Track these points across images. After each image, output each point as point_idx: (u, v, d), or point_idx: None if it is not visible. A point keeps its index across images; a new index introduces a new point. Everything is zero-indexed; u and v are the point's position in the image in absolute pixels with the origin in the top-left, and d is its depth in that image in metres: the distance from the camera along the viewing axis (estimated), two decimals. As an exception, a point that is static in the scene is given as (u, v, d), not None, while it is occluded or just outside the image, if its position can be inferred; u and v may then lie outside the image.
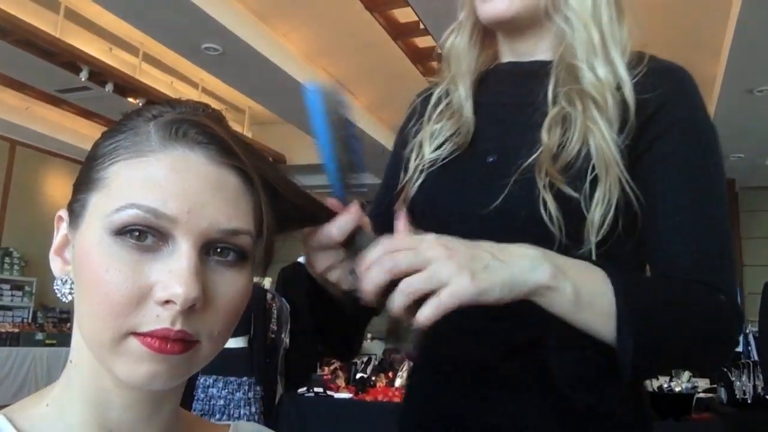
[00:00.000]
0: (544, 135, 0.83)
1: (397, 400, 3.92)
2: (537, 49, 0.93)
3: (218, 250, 0.56)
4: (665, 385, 4.68)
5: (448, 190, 0.90)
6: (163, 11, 4.80)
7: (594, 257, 0.78)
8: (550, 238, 0.78)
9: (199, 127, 0.57)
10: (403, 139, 1.02)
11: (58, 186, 8.86)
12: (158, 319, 0.52)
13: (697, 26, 5.72)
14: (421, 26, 5.57)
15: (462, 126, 0.93)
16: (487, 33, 0.98)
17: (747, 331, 6.28)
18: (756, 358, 5.35)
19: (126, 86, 6.65)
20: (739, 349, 6.22)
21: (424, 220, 0.83)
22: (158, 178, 0.54)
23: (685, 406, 3.74)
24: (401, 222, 0.69)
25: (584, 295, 0.68)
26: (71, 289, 0.58)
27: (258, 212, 0.59)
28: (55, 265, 0.60)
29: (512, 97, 0.93)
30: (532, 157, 0.82)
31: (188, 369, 0.56)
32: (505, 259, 0.65)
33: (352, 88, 7.47)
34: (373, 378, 4.27)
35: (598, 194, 0.79)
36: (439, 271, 0.62)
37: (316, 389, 4.09)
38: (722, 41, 5.26)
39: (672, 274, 0.79)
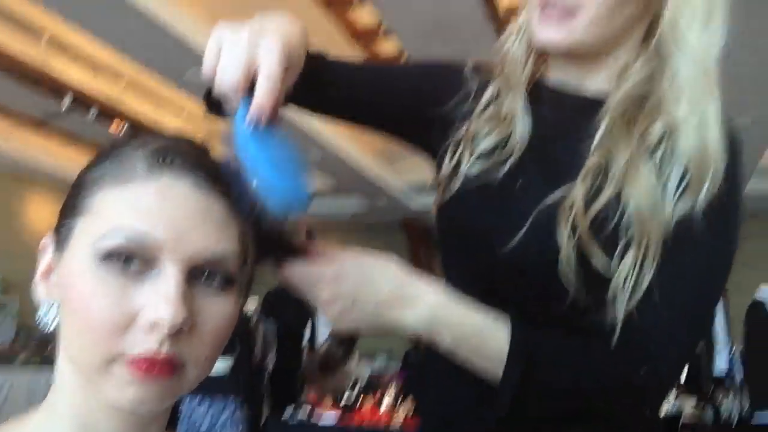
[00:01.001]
0: (579, 183, 0.77)
1: (384, 423, 3.88)
2: (588, 77, 0.87)
3: (205, 275, 0.56)
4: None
5: (478, 208, 0.87)
6: (148, 39, 4.81)
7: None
8: (565, 294, 0.76)
9: (186, 154, 0.57)
10: (448, 109, 0.93)
11: (39, 210, 8.79)
12: (145, 343, 0.52)
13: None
14: (405, 56, 5.61)
15: (511, 139, 0.87)
16: None
17: (733, 351, 6.31)
18: (742, 379, 5.38)
19: (109, 112, 6.63)
20: (726, 369, 6.25)
21: (450, 232, 0.91)
22: (146, 203, 0.54)
23: (671, 428, 3.74)
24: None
25: (467, 346, 0.76)
26: (56, 314, 0.58)
27: (244, 238, 0.60)
28: (40, 290, 0.60)
29: (556, 122, 0.86)
30: (556, 198, 0.77)
31: (175, 393, 0.56)
32: (383, 313, 0.75)
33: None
34: (361, 399, 4.24)
35: (628, 260, 0.74)
36: (324, 311, 0.76)
37: (301, 411, 4.04)
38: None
39: (613, 324, 0.75)
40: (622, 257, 0.74)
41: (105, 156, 0.59)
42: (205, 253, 0.55)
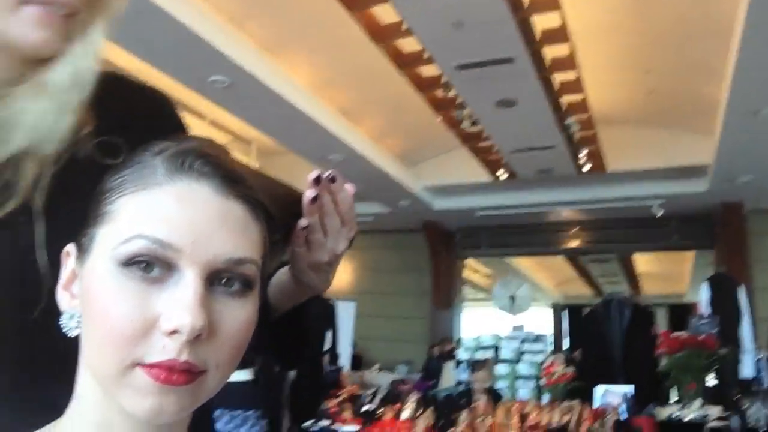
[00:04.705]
0: None
1: (404, 432, 3.87)
2: None
3: (223, 280, 0.56)
4: (674, 414, 4.59)
5: None
6: (171, 44, 4.87)
7: None
8: None
9: (204, 158, 0.57)
10: None
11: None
12: (164, 350, 0.52)
13: (701, 51, 5.76)
14: (425, 55, 5.63)
15: None
16: None
17: (760, 356, 6.19)
18: (769, 384, 5.28)
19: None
20: (752, 375, 6.13)
21: None
22: (164, 209, 0.55)
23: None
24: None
25: None
26: (78, 323, 0.58)
27: (263, 241, 0.60)
28: (63, 299, 0.60)
29: None
30: None
31: (194, 400, 0.55)
32: None
33: (357, 116, 7.54)
34: (381, 410, 4.23)
35: None
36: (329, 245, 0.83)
37: (322, 423, 4.05)
38: (725, 65, 5.29)
39: None
40: None
41: (125, 163, 0.59)
42: (223, 257, 0.55)
